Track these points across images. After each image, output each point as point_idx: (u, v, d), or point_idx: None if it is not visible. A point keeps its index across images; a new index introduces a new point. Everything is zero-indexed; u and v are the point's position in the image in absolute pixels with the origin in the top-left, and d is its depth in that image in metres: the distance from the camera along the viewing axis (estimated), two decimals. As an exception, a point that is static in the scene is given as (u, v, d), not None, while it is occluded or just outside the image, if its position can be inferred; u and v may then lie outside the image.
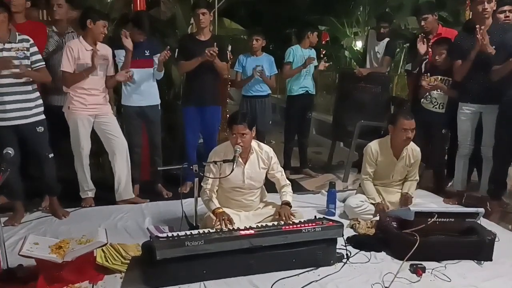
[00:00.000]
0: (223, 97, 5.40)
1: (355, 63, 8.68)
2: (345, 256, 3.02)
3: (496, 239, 3.12)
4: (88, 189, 4.04)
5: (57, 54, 3.90)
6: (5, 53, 3.33)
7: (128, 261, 2.78)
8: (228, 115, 5.24)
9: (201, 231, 2.81)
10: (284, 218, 3.10)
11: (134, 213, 3.84)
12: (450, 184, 4.66)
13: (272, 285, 2.66)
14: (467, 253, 3.06)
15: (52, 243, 2.74)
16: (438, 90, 4.38)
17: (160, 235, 2.70)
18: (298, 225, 2.90)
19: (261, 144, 3.44)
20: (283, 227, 2.87)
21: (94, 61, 3.73)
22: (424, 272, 2.84)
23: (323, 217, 3.21)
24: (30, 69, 3.44)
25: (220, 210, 3.16)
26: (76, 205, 3.96)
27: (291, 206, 3.27)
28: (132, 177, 4.15)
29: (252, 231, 2.80)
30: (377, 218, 3.55)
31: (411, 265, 2.89)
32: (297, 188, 4.66)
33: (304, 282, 2.69)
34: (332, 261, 2.94)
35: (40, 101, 3.58)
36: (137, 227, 3.55)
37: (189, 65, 4.28)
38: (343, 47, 9.62)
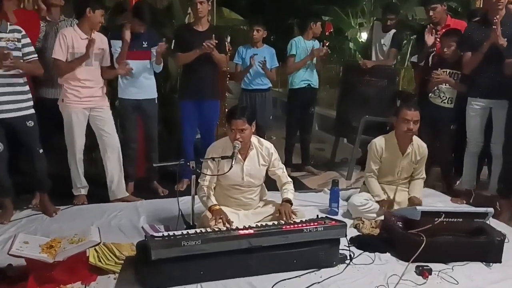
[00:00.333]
0: (222, 90, 5.39)
1: (359, 55, 8.66)
2: (348, 257, 3.02)
3: (506, 240, 3.12)
4: (80, 186, 4.04)
5: (50, 44, 3.89)
6: None
7: (122, 261, 2.78)
8: (226, 110, 5.27)
9: (198, 230, 2.81)
10: (284, 216, 3.10)
11: (128, 211, 3.85)
12: (458, 182, 4.67)
13: (272, 287, 2.66)
14: (475, 255, 3.07)
15: (43, 242, 2.74)
16: (446, 84, 4.38)
17: (155, 234, 2.70)
18: (300, 225, 2.90)
19: (261, 139, 3.44)
20: (284, 227, 2.87)
21: (89, 50, 3.72)
22: (431, 274, 2.85)
23: (326, 216, 3.21)
24: (22, 61, 3.42)
25: (217, 207, 3.15)
26: (68, 202, 3.97)
27: (292, 204, 3.27)
28: (126, 174, 4.15)
29: (251, 231, 2.80)
30: (382, 217, 3.56)
31: (417, 267, 2.89)
32: (298, 186, 4.66)
33: (306, 284, 2.70)
34: (334, 262, 2.94)
35: (30, 95, 3.57)
36: (132, 226, 3.55)
37: (186, 57, 4.28)
38: (347, 38, 9.60)
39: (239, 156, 3.24)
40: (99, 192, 4.13)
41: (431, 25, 4.66)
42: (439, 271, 2.89)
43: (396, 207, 3.71)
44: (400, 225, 3.18)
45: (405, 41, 7.69)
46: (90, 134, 4.11)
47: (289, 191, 3.35)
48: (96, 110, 3.93)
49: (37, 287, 2.50)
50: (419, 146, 3.81)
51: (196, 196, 3.23)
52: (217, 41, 4.14)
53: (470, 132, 4.23)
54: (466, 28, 4.26)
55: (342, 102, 5.83)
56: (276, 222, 3.01)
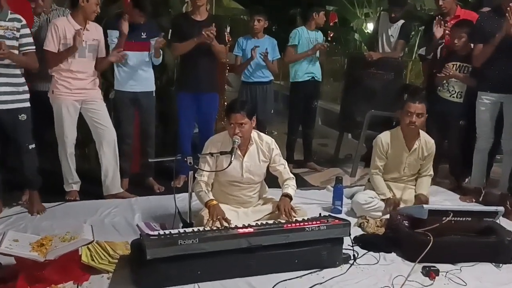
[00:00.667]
0: (221, 83, 5.39)
1: (365, 47, 8.65)
2: (352, 257, 3.03)
3: (516, 240, 3.13)
4: (72, 182, 4.04)
5: (43, 34, 3.88)
6: None
7: (116, 261, 2.78)
8: (226, 103, 5.27)
9: (195, 228, 2.82)
10: (283, 213, 3.08)
11: (122, 209, 3.85)
12: (467, 180, 4.67)
13: (273, 287, 2.67)
14: (484, 255, 3.08)
15: (33, 240, 2.74)
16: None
17: (151, 232, 2.71)
18: (301, 223, 2.91)
19: (262, 134, 3.44)
20: (285, 225, 2.88)
21: (76, 42, 3.69)
22: (438, 275, 2.85)
23: (329, 214, 3.22)
24: (17, 52, 3.42)
25: (214, 202, 3.13)
26: (59, 199, 3.97)
27: (291, 199, 3.26)
28: (121, 170, 4.15)
29: (251, 229, 2.80)
30: (387, 216, 3.56)
31: (424, 268, 2.90)
32: (300, 183, 4.66)
33: (307, 285, 2.71)
34: (337, 262, 2.95)
35: (26, 88, 3.56)
36: (126, 224, 3.55)
37: (183, 47, 4.27)
38: (352, 29, 9.59)
39: (239, 151, 3.24)
40: (92, 188, 4.13)
41: (439, 16, 4.65)
42: (447, 272, 2.90)
43: (402, 205, 3.71)
44: (406, 224, 3.18)
45: (413, 33, 7.68)
46: (83, 128, 4.11)
47: (290, 187, 3.34)
48: (88, 103, 3.92)
49: (27, 287, 2.51)
50: (426, 142, 3.81)
51: (193, 193, 3.22)
52: (216, 29, 4.13)
53: (480, 127, 4.22)
54: (477, 19, 4.25)
55: (347, 95, 5.83)
56: (276, 221, 3.01)
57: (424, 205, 3.12)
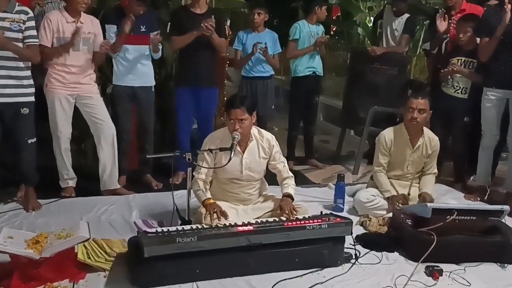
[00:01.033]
0: (221, 78, 5.38)
1: (369, 42, 8.63)
2: (354, 256, 3.03)
3: (522, 240, 3.13)
4: (68, 178, 4.05)
5: (37, 27, 3.87)
6: None
7: (113, 258, 2.78)
8: (225, 98, 5.26)
9: (194, 226, 2.82)
10: (286, 212, 3.10)
11: (120, 206, 3.85)
12: (472, 178, 4.67)
13: (272, 286, 2.67)
14: (489, 255, 3.08)
15: (28, 237, 2.74)
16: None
17: (148, 230, 2.70)
18: (302, 222, 2.91)
19: (262, 131, 3.44)
20: (285, 223, 2.89)
21: (74, 39, 3.69)
22: (441, 275, 2.86)
23: (330, 213, 3.21)
24: (21, 44, 3.41)
25: (211, 201, 3.14)
26: (55, 195, 3.97)
27: (293, 199, 3.27)
28: (119, 167, 4.15)
29: (250, 227, 2.81)
30: (390, 215, 3.57)
31: (427, 267, 2.90)
32: (301, 180, 4.67)
33: (308, 284, 2.71)
34: (339, 262, 2.95)
35: (31, 82, 3.55)
36: (123, 221, 3.56)
37: (182, 40, 4.26)
38: (356, 23, 9.56)
39: (238, 148, 3.24)
40: (89, 184, 4.14)
41: (443, 10, 4.64)
42: (450, 272, 2.90)
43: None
44: (410, 223, 3.19)
45: (417, 27, 7.66)
46: (80, 123, 4.11)
47: (290, 186, 3.35)
48: (84, 98, 3.92)
49: (22, 285, 2.51)
50: (430, 139, 3.81)
51: (192, 190, 3.23)
52: (215, 21, 4.12)
53: (485, 124, 4.22)
54: (484, 12, 4.25)
55: (349, 91, 5.83)
56: (277, 219, 3.01)
57: (428, 204, 3.12)
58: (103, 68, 4.51)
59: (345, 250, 3.01)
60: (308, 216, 3.03)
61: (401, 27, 5.31)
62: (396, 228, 3.31)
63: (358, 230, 3.44)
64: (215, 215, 2.97)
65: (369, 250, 3.16)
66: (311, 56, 5.20)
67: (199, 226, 2.82)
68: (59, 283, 2.60)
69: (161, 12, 5.24)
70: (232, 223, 2.89)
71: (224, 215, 3.00)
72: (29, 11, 3.47)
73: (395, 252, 3.16)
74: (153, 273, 2.60)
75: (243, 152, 3.30)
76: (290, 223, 2.89)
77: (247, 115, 3.15)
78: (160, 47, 4.25)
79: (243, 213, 3.30)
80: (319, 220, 2.92)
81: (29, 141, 3.58)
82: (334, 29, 9.85)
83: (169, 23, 4.47)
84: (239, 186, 3.38)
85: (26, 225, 3.41)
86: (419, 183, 3.89)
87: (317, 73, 5.29)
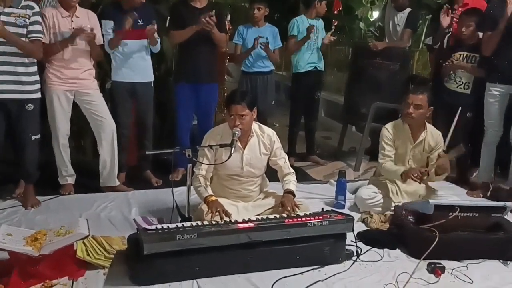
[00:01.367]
0: (221, 73, 5.38)
1: (371, 36, 8.62)
2: (355, 253, 3.04)
3: (525, 237, 3.13)
4: (67, 175, 4.05)
5: None
6: (3, 18, 3.30)
7: (112, 256, 2.79)
8: (226, 94, 5.26)
9: (194, 223, 2.82)
10: (288, 208, 3.10)
11: (119, 202, 3.86)
12: (474, 174, 4.67)
13: (273, 284, 2.67)
14: (492, 252, 3.08)
15: (27, 235, 2.75)
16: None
17: (148, 227, 2.71)
18: (303, 218, 2.91)
19: (263, 126, 3.44)
20: (286, 220, 2.88)
21: (75, 38, 3.69)
22: (443, 272, 2.86)
23: (331, 209, 3.22)
24: (25, 39, 3.41)
25: (213, 198, 3.15)
26: (54, 192, 3.98)
27: (294, 196, 3.28)
28: (118, 163, 4.15)
29: (251, 224, 2.81)
30: (392, 211, 3.57)
31: (429, 265, 2.91)
32: (302, 177, 4.68)
33: (309, 282, 2.71)
34: (340, 259, 2.96)
35: (38, 78, 3.56)
36: (123, 218, 3.57)
37: (182, 34, 4.25)
38: (357, 17, 9.54)
39: (239, 144, 3.24)
40: (88, 181, 4.15)
41: (447, 5, 4.63)
42: (453, 269, 2.91)
43: (406, 199, 3.70)
44: (411, 220, 3.19)
45: (420, 21, 7.65)
46: (79, 119, 4.11)
47: (291, 182, 3.35)
48: (82, 94, 3.92)
49: (21, 283, 2.52)
50: (432, 134, 3.80)
51: (192, 187, 3.23)
52: (216, 16, 4.11)
53: (488, 120, 4.22)
54: (487, 6, 4.24)
55: (351, 86, 5.82)
56: (277, 216, 3.01)
57: (430, 200, 3.12)
58: (102, 64, 4.50)
59: (347, 247, 3.01)
60: (309, 213, 3.03)
61: (403, 22, 5.30)
62: (398, 225, 3.31)
63: (359, 227, 3.44)
64: (217, 215, 2.98)
65: (370, 247, 3.16)
66: (312, 51, 5.19)
67: (199, 223, 2.81)
68: (58, 281, 2.60)
69: (160, 6, 5.22)
70: (233, 220, 2.89)
71: (228, 214, 3.00)
72: (35, 5, 3.47)
73: (397, 249, 3.16)
74: (152, 270, 2.61)
75: (244, 148, 3.30)
76: (291, 220, 2.88)
77: (247, 110, 3.15)
78: (159, 39, 4.22)
79: (243, 210, 3.31)
80: (320, 217, 2.92)
81: (33, 137, 3.59)
82: (335, 23, 9.81)
83: (169, 17, 4.46)
84: (239, 182, 3.38)
85: (25, 222, 3.41)
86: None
87: (318, 68, 5.29)
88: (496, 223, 3.16)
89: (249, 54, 4.93)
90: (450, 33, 4.61)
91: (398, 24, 5.36)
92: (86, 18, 3.85)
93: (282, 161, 3.43)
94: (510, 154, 4.31)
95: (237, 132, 3.12)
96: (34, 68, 3.54)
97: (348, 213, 3.35)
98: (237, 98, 3.17)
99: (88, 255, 2.75)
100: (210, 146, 3.21)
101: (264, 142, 3.36)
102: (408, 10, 5.29)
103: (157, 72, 5.28)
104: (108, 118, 4.00)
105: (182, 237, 2.61)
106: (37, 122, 3.61)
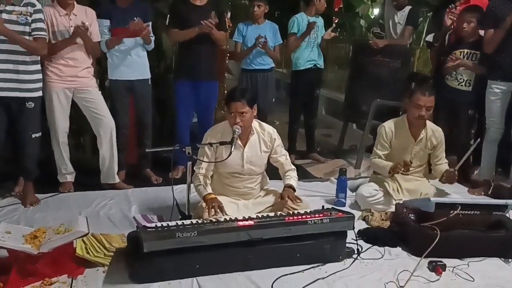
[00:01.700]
0: (221, 70, 5.37)
1: (370, 34, 8.60)
2: (356, 251, 3.04)
3: (527, 235, 3.13)
4: (66, 172, 4.05)
5: None
6: (4, 16, 3.30)
7: (112, 254, 2.79)
8: (226, 91, 5.25)
9: (194, 221, 2.82)
10: (288, 201, 3.10)
11: (119, 200, 3.86)
12: (476, 172, 4.67)
13: (273, 282, 2.67)
14: (493, 250, 3.08)
15: (26, 232, 2.75)
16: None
17: (148, 225, 2.71)
18: (304, 216, 2.91)
19: (263, 124, 3.44)
20: (286, 218, 2.88)
21: (75, 37, 3.70)
22: (444, 270, 2.86)
23: (332, 207, 3.21)
24: (28, 37, 3.41)
25: (212, 196, 3.15)
26: (53, 190, 3.98)
27: (295, 190, 3.28)
28: (118, 162, 4.14)
29: (251, 222, 2.80)
30: (393, 209, 3.57)
31: (430, 262, 2.90)
32: (303, 174, 4.67)
33: (309, 280, 2.71)
34: (341, 257, 2.95)
35: (39, 76, 3.56)
36: (122, 216, 3.57)
37: (182, 35, 4.26)
38: (358, 15, 9.53)
39: (239, 142, 3.24)
40: (87, 179, 4.15)
41: (452, 5, 4.62)
42: (454, 267, 2.90)
43: (407, 197, 3.70)
44: (413, 218, 3.18)
45: (421, 19, 7.63)
46: (78, 117, 4.10)
47: (292, 178, 3.35)
48: (81, 92, 3.91)
49: (20, 281, 2.51)
50: (433, 131, 3.80)
51: (192, 185, 3.23)
52: (217, 21, 4.11)
53: (490, 117, 4.22)
54: (488, 4, 4.23)
55: (352, 84, 5.81)
56: (278, 213, 3.01)
57: (431, 198, 3.12)
58: (102, 61, 4.49)
59: (347, 245, 3.01)
60: (310, 211, 3.03)
61: (403, 20, 5.29)
62: (399, 223, 3.31)
63: (360, 224, 3.44)
64: (213, 210, 2.99)
65: (371, 245, 3.16)
66: (312, 49, 5.19)
67: (199, 221, 2.81)
68: (57, 279, 2.60)
69: (160, 3, 5.22)
70: (233, 218, 2.88)
71: (221, 209, 3.00)
72: (36, 3, 3.46)
73: (398, 247, 3.16)
74: (152, 268, 2.60)
75: (244, 146, 3.30)
76: (291, 218, 2.88)
77: (247, 108, 3.15)
78: (153, 38, 4.21)
79: (243, 208, 3.31)
80: (321, 215, 2.92)
81: (33, 135, 3.59)
82: (336, 21, 9.80)
83: (168, 15, 4.45)
84: (240, 180, 3.38)
85: (24, 220, 3.41)
86: (421, 177, 3.89)
87: (318, 65, 5.29)
88: (498, 221, 3.16)
89: (250, 53, 4.91)
90: (451, 30, 4.60)
91: (399, 22, 5.34)
92: (84, 15, 3.84)
93: (283, 158, 3.42)
94: (512, 152, 4.32)
95: (237, 130, 3.12)
96: (36, 67, 3.53)
97: (349, 210, 3.34)
98: (237, 95, 3.17)
99: (88, 253, 2.75)
100: (210, 144, 3.20)
101: (264, 139, 3.36)
102: (408, 7, 5.28)
103: (157, 70, 5.29)
104: (107, 116, 4.00)
105: (182, 235, 2.60)
106: (37, 120, 3.61)
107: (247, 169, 3.33)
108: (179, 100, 4.52)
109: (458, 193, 4.03)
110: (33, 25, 3.43)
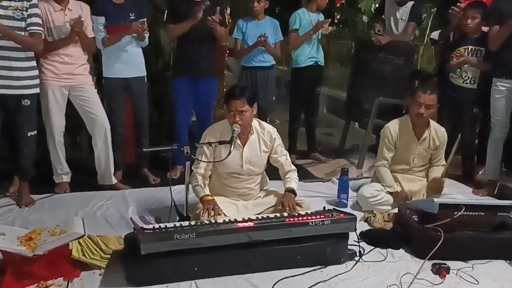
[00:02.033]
0: (220, 68, 5.37)
1: (372, 31, 8.60)
2: (358, 254, 3.04)
3: (533, 237, 3.13)
4: (62, 173, 4.05)
5: None
6: (0, 11, 3.30)
7: (108, 256, 2.79)
8: (225, 89, 5.25)
9: (192, 222, 2.82)
10: (288, 209, 3.10)
11: (115, 201, 3.86)
12: (480, 172, 4.67)
13: (274, 285, 2.67)
14: (498, 252, 3.08)
15: (21, 234, 2.75)
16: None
17: (145, 226, 2.71)
18: (304, 217, 2.91)
19: (263, 123, 3.44)
20: (287, 220, 2.88)
21: (74, 35, 3.70)
22: (448, 273, 2.86)
23: (333, 208, 3.22)
24: (23, 33, 3.41)
25: (209, 197, 3.15)
26: (49, 190, 3.98)
27: (296, 194, 3.28)
28: (114, 162, 4.14)
29: (251, 224, 2.81)
30: (395, 210, 3.57)
31: (434, 265, 2.90)
32: (304, 175, 4.67)
33: (310, 283, 2.71)
34: (342, 259, 2.96)
35: (35, 73, 3.56)
36: (119, 217, 3.57)
37: (179, 28, 4.24)
38: (360, 10, 9.53)
39: (238, 141, 3.23)
40: (84, 179, 4.15)
41: (458, 3, 4.63)
42: (458, 270, 2.91)
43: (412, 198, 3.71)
44: (416, 219, 3.19)
45: (425, 15, 7.62)
46: (74, 116, 4.10)
47: (292, 180, 3.35)
48: (77, 89, 3.91)
49: (15, 283, 2.51)
50: (437, 131, 3.81)
51: (190, 185, 3.23)
52: (221, 17, 4.10)
53: (495, 116, 4.22)
54: (493, 0, 4.23)
55: (354, 82, 5.80)
56: (278, 215, 3.01)
57: (435, 199, 3.12)
58: (99, 58, 4.48)
59: (349, 247, 3.01)
60: (311, 212, 3.03)
61: (406, 16, 5.27)
62: (402, 224, 3.31)
63: (362, 226, 3.44)
64: (208, 212, 2.98)
65: (373, 247, 3.16)
66: (313, 45, 5.18)
67: (198, 222, 2.81)
68: (53, 281, 2.60)
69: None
70: (232, 219, 2.88)
71: (216, 211, 2.99)
72: None
73: (401, 249, 3.16)
74: (150, 270, 2.60)
75: (244, 146, 3.29)
76: (292, 219, 2.88)
77: (247, 106, 3.15)
78: (147, 35, 4.19)
79: (243, 209, 3.30)
80: (322, 216, 2.93)
81: (29, 133, 3.59)
82: (338, 17, 9.80)
83: (166, 11, 4.45)
84: (239, 180, 3.38)
85: (19, 221, 3.41)
86: (424, 177, 3.89)
87: (319, 63, 5.27)
88: (503, 223, 3.16)
89: (251, 51, 4.89)
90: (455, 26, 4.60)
91: (401, 18, 5.32)
92: (79, 10, 3.83)
93: (283, 158, 3.42)
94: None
95: (236, 129, 3.11)
96: (31, 63, 3.53)
97: (351, 212, 3.34)
98: (237, 93, 3.16)
99: (84, 255, 2.74)
100: (209, 143, 3.20)
101: (264, 139, 3.35)
102: (411, 3, 5.26)
103: (155, 67, 5.29)
104: (101, 115, 4.00)
105: (180, 236, 2.60)
106: (33, 118, 3.61)
107: (246, 169, 3.33)
108: (178, 98, 4.51)
109: (462, 194, 4.04)
110: (29, 20, 3.43)
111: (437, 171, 3.83)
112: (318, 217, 2.92)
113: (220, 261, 2.72)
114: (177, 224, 2.76)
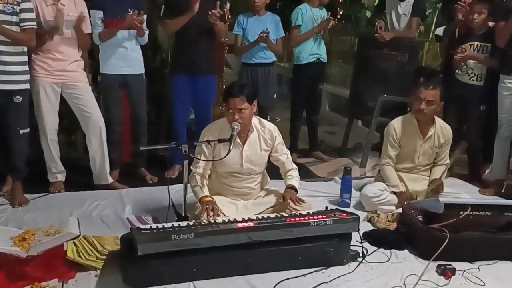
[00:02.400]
0: (219, 64, 5.38)
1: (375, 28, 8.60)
2: (361, 254, 3.04)
3: (540, 237, 3.13)
4: (57, 172, 4.05)
5: None
6: None
7: (105, 257, 2.79)
8: (224, 86, 5.24)
9: (191, 222, 2.82)
10: (290, 202, 3.10)
11: (112, 201, 3.86)
12: (487, 171, 4.67)
13: (274, 286, 2.67)
14: (505, 253, 3.08)
15: (15, 234, 2.75)
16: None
17: (142, 226, 2.72)
18: (306, 217, 2.90)
19: (264, 121, 3.43)
20: (288, 219, 2.88)
21: (59, 22, 3.68)
22: (454, 274, 2.86)
23: (336, 208, 3.22)
24: (15, 27, 3.41)
25: (208, 198, 3.15)
26: (43, 190, 3.98)
27: (297, 192, 3.28)
28: (110, 161, 4.15)
29: (251, 224, 2.80)
30: (400, 210, 3.57)
31: (439, 266, 2.90)
32: (306, 174, 4.68)
33: (312, 284, 2.71)
34: (345, 260, 2.95)
35: (26, 68, 3.57)
36: (116, 217, 3.57)
37: (176, 23, 4.24)
38: (364, 6, 9.53)
39: (238, 140, 3.23)
40: (79, 178, 4.15)
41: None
42: (464, 271, 2.90)
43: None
44: (420, 219, 3.19)
45: (430, 10, 7.62)
46: (69, 113, 4.10)
47: (293, 178, 3.35)
48: (70, 87, 3.91)
49: (8, 284, 2.51)
50: (442, 128, 3.81)
51: (189, 184, 3.22)
52: (221, 12, 4.10)
53: (502, 114, 4.22)
54: (500, -6, 4.24)
55: (357, 79, 5.81)
56: (279, 215, 3.01)
57: (440, 199, 3.12)
58: (94, 54, 4.49)
59: (352, 247, 3.01)
60: (313, 212, 3.03)
61: (408, 11, 5.25)
62: (406, 225, 3.31)
63: (365, 226, 3.44)
64: (208, 212, 2.98)
65: (377, 248, 3.16)
66: (315, 41, 5.17)
67: (196, 223, 2.81)
68: (47, 283, 2.60)
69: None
70: (232, 219, 2.88)
71: (214, 211, 2.99)
72: None
73: (405, 249, 3.16)
74: (147, 272, 2.60)
75: (243, 144, 3.29)
76: (293, 219, 2.88)
77: (247, 104, 3.14)
78: (147, 31, 4.20)
79: (243, 209, 3.31)
80: (324, 216, 2.92)
81: (21, 131, 3.59)
82: (340, 12, 9.80)
83: (163, 6, 4.44)
84: (239, 179, 3.38)
85: (12, 221, 3.41)
86: (429, 176, 3.89)
87: (321, 59, 5.27)
88: (510, 223, 3.15)
89: (252, 48, 4.89)
90: (462, 22, 4.59)
91: (403, 13, 5.30)
92: (73, 5, 3.83)
93: (284, 157, 3.42)
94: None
95: (236, 127, 3.11)
96: (23, 58, 3.54)
97: (354, 211, 3.34)
98: (236, 91, 3.16)
99: (79, 256, 2.74)
100: (208, 142, 3.20)
101: (264, 137, 3.35)
102: (412, -2, 5.25)
103: (152, 64, 5.28)
104: (96, 113, 3.99)
105: (178, 237, 2.60)
106: (26, 116, 3.62)
107: (246, 168, 3.33)
108: (176, 95, 4.51)
109: (468, 193, 4.04)
110: (21, 15, 3.43)
111: (438, 171, 3.83)
112: (320, 217, 2.91)
113: (219, 262, 2.72)
114: (175, 224, 2.76)
